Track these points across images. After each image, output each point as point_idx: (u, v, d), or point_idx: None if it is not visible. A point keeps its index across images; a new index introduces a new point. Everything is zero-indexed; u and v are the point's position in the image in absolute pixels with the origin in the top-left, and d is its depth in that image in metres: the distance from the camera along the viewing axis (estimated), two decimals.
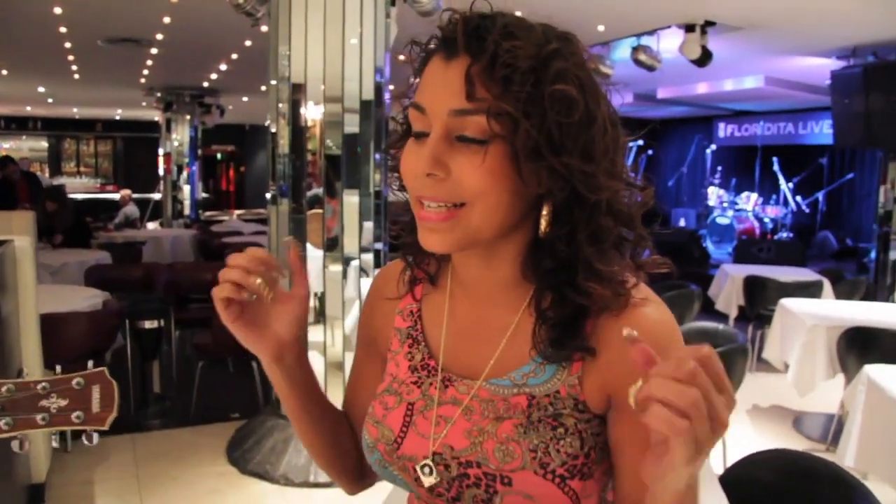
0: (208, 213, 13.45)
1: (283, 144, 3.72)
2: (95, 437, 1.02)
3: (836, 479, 1.67)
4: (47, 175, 16.72)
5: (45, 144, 17.53)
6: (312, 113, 3.64)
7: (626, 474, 0.83)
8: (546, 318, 0.84)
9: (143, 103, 12.30)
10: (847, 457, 2.75)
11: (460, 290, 0.94)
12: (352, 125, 3.65)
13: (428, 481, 0.87)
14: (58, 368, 1.01)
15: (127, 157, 18.09)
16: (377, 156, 3.74)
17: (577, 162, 0.77)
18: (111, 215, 11.86)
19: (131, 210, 11.21)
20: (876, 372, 2.84)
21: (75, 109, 15.41)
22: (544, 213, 0.81)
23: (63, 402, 1.01)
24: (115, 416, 1.03)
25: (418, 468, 0.88)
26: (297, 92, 3.64)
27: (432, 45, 0.82)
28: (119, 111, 15.65)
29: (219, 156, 19.25)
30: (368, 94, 3.67)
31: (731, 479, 1.82)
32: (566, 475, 0.82)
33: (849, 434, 2.83)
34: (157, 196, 13.37)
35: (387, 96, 3.84)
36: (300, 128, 3.67)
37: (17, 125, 16.70)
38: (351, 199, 3.71)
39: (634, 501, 0.82)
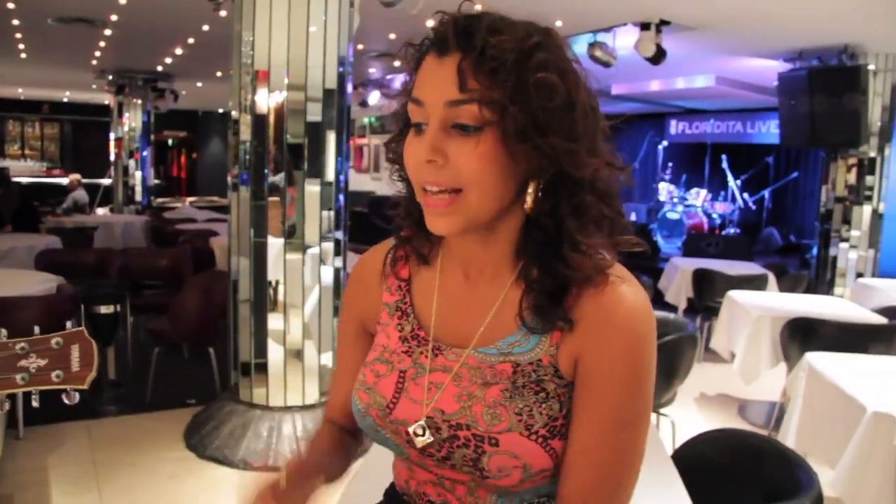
0: (160, 200, 13.21)
1: (245, 131, 3.71)
2: (76, 395, 1.04)
3: (778, 455, 1.79)
4: None
5: None
6: (275, 100, 3.64)
7: (579, 429, 0.91)
8: (533, 289, 0.92)
9: (94, 86, 11.99)
10: (788, 439, 2.90)
11: (452, 265, 1.01)
12: (314, 114, 3.67)
13: (421, 442, 0.94)
14: (36, 329, 1.02)
15: (75, 141, 17.62)
16: (346, 145, 3.78)
17: (561, 142, 0.85)
18: (59, 200, 11.57)
19: (80, 195, 10.96)
20: (816, 359, 2.99)
21: (20, 90, 14.92)
22: (530, 190, 0.89)
23: (42, 362, 1.03)
24: (94, 375, 1.04)
25: (411, 430, 0.94)
26: (260, 79, 3.64)
27: (425, 45, 0.89)
28: (67, 93, 15.21)
29: (170, 142, 18.89)
30: (331, 83, 3.69)
31: (681, 458, 1.92)
32: (548, 435, 0.90)
33: (790, 417, 2.98)
34: (106, 181, 13.09)
35: (349, 86, 3.86)
36: (262, 115, 3.66)
37: None
38: (312, 188, 3.73)
39: (579, 456, 0.90)
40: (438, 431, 0.93)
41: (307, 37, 3.62)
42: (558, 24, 6.21)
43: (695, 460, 1.92)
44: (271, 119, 3.66)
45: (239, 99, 3.73)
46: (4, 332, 1.05)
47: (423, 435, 0.94)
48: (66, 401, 1.06)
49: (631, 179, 0.95)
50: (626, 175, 0.93)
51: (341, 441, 1.13)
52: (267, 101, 3.64)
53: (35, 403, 1.06)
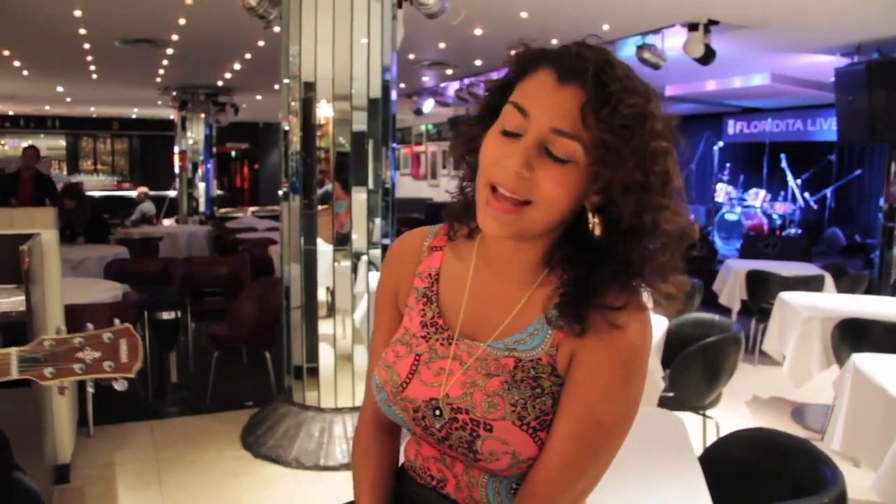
0: (223, 210, 13.66)
1: (295, 142, 3.87)
2: (125, 383, 1.20)
3: (804, 453, 1.80)
4: (65, 172, 17.02)
5: (62, 143, 17.82)
6: (322, 111, 3.78)
7: (555, 423, 0.99)
8: (562, 288, 1.01)
9: (159, 102, 12.51)
10: (834, 441, 2.86)
11: (483, 264, 1.09)
12: (360, 123, 3.79)
13: (439, 422, 1.03)
14: (89, 326, 1.17)
15: (143, 155, 18.37)
16: (391, 153, 3.89)
17: (658, 198, 0.94)
18: (128, 212, 12.10)
19: (147, 207, 11.44)
20: (862, 360, 2.94)
21: (92, 108, 15.67)
22: (597, 220, 0.97)
23: (96, 354, 1.19)
24: (139, 365, 1.20)
25: (431, 411, 1.04)
26: (308, 91, 3.78)
27: (543, 58, 0.96)
28: (135, 110, 15.90)
29: (233, 153, 19.47)
30: (376, 93, 3.81)
31: (709, 458, 1.95)
32: (538, 427, 0.99)
33: (836, 420, 2.94)
34: (172, 193, 13.60)
35: (393, 94, 3.97)
36: (311, 126, 3.81)
37: (36, 124, 17.01)
38: (359, 196, 3.85)
39: (550, 446, 0.98)
40: (440, 413, 1.03)
41: (351, 49, 3.74)
42: (605, 27, 6.23)
43: (723, 459, 1.94)
44: (319, 129, 3.80)
45: (288, 111, 3.89)
46: (63, 328, 1.21)
47: (438, 416, 1.03)
48: (116, 387, 1.22)
49: (696, 235, 1.01)
50: (692, 232, 1.00)
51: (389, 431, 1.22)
52: (314, 112, 3.78)
53: (90, 389, 1.22)
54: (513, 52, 1.01)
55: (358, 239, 3.86)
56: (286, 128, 3.93)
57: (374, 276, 3.91)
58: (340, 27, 3.72)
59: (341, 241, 3.85)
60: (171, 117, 12.55)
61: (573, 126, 0.91)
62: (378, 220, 3.90)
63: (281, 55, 3.93)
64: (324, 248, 3.85)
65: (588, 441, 0.98)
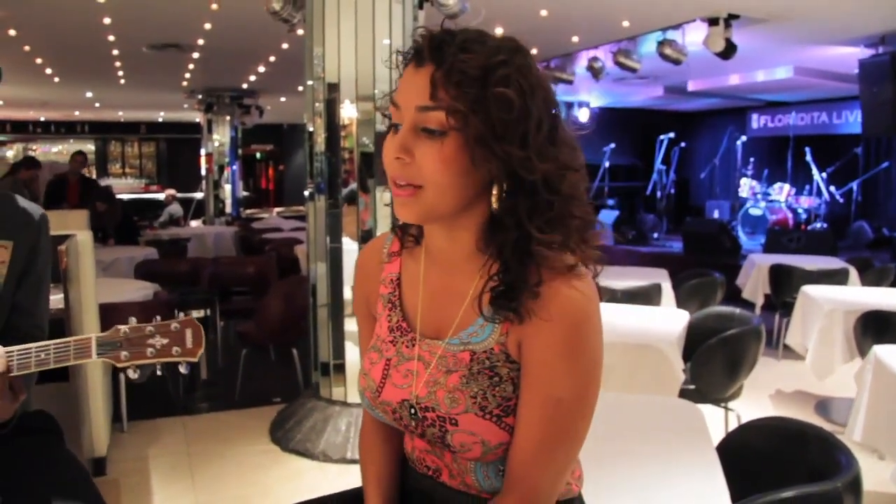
0: (249, 211, 13.85)
1: (320, 143, 3.95)
2: (188, 367, 1.37)
3: (820, 440, 1.83)
4: (94, 176, 17.34)
5: (91, 147, 18.14)
6: (346, 112, 3.86)
7: (520, 406, 1.03)
8: (492, 281, 1.03)
9: (185, 105, 12.71)
10: (855, 433, 2.88)
11: (430, 259, 1.14)
12: (383, 123, 3.86)
13: (414, 421, 1.09)
14: (157, 318, 1.33)
15: (170, 158, 18.65)
16: None
17: (514, 149, 0.96)
18: (156, 214, 12.31)
19: (175, 209, 11.63)
20: (884, 352, 2.95)
21: (120, 113, 15.96)
22: (494, 192, 1.00)
23: (165, 341, 1.34)
24: (202, 351, 1.36)
25: (406, 411, 1.09)
26: (332, 91, 3.86)
27: (409, 55, 1.02)
28: (162, 113, 16.15)
29: (258, 155, 19.69)
30: None
31: (726, 447, 1.99)
32: (501, 414, 1.03)
33: (857, 411, 2.95)
34: (199, 195, 13.81)
35: None
36: (335, 126, 3.89)
37: (66, 129, 17.36)
38: (384, 195, 3.92)
39: (519, 431, 1.02)
40: (413, 413, 1.08)
41: (374, 49, 3.81)
42: (625, 24, 6.25)
43: (740, 448, 1.98)
44: (343, 130, 3.87)
45: (312, 112, 3.97)
46: (134, 319, 1.36)
47: (402, 419, 1.10)
48: (181, 370, 1.38)
49: (586, 181, 1.03)
50: (582, 177, 1.02)
51: (386, 444, 1.25)
52: (338, 112, 3.86)
53: (159, 372, 1.39)
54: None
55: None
56: (311, 129, 4.02)
57: None
58: (363, 28, 3.79)
59: (366, 239, 3.92)
60: (197, 120, 12.74)
61: (433, 99, 0.95)
62: None
63: (305, 57, 4.01)
64: (349, 247, 3.93)
65: (553, 421, 1.01)
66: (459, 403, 1.03)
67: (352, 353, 3.97)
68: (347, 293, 3.97)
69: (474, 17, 4.57)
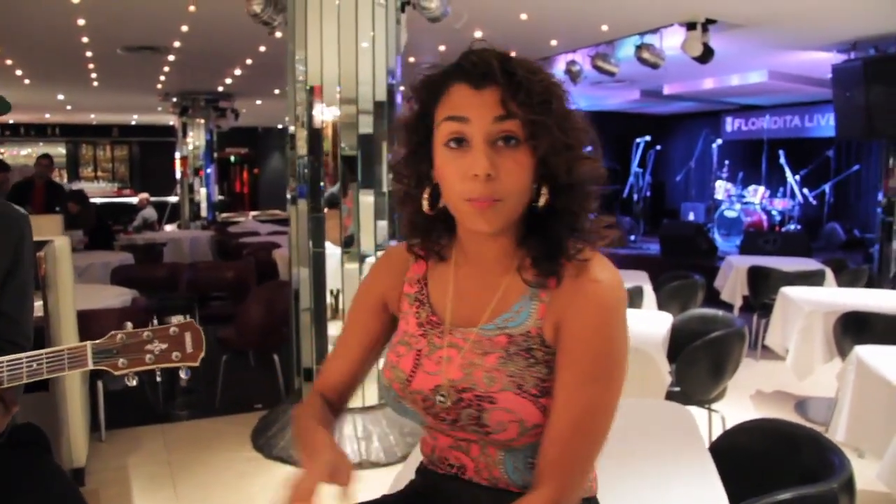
0: (224, 215, 13.71)
1: (302, 146, 3.91)
2: (188, 372, 1.32)
3: (812, 442, 1.85)
4: (66, 180, 17.06)
5: (62, 150, 17.84)
6: (328, 115, 3.83)
7: (556, 388, 1.07)
8: (532, 258, 1.12)
9: (159, 108, 12.56)
10: (838, 433, 2.91)
11: (465, 260, 1.18)
12: (366, 126, 3.84)
13: (440, 405, 1.12)
14: (154, 321, 1.26)
15: (143, 161, 18.41)
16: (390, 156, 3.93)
17: (580, 153, 1.09)
18: (130, 218, 12.14)
19: (149, 213, 11.48)
20: (865, 352, 2.99)
21: (92, 115, 15.72)
22: (544, 191, 1.09)
23: (164, 346, 1.30)
24: (203, 355, 1.31)
25: (434, 397, 1.13)
26: (314, 95, 3.83)
27: (449, 76, 1.09)
28: (135, 116, 15.95)
29: (232, 158, 19.52)
30: (381, 96, 3.86)
31: (719, 448, 2.00)
32: (538, 394, 1.07)
33: (840, 411, 2.99)
34: (173, 199, 13.65)
35: (398, 98, 4.02)
36: (317, 129, 3.86)
37: (36, 132, 17.05)
38: (366, 199, 3.90)
39: (555, 412, 1.06)
40: (447, 396, 1.12)
41: (357, 52, 3.79)
42: (604, 28, 6.29)
43: (732, 450, 1.99)
44: (325, 133, 3.84)
45: (294, 115, 3.93)
46: (130, 324, 1.31)
47: (445, 400, 1.12)
48: (181, 375, 1.33)
49: (604, 178, 1.13)
50: (603, 174, 1.13)
51: (331, 412, 1.28)
52: (321, 115, 3.83)
53: (158, 378, 1.34)
54: (411, 85, 1.15)
55: (366, 241, 3.91)
56: (292, 132, 3.98)
57: None
58: (345, 32, 3.77)
59: (349, 243, 3.90)
60: (171, 123, 12.60)
61: (508, 112, 1.04)
62: (385, 222, 3.95)
63: (287, 60, 3.97)
64: (332, 251, 3.90)
65: (589, 400, 1.06)
66: (497, 382, 1.08)
67: None
68: (330, 298, 3.93)
69: (456, 20, 4.57)
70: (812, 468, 1.79)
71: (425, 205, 1.15)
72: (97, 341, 1.28)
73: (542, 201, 1.09)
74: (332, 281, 3.91)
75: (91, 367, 1.27)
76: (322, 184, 3.87)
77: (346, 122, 3.82)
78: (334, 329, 3.92)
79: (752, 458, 1.96)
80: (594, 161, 1.11)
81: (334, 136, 3.84)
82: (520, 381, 1.08)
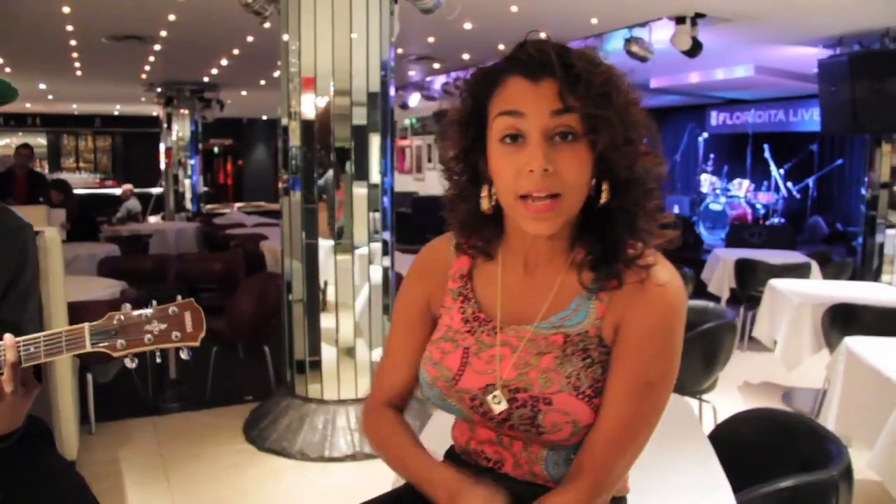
0: (209, 207, 13.61)
1: (294, 137, 3.89)
2: (189, 352, 1.28)
3: (810, 431, 1.88)
4: (47, 171, 16.84)
5: (43, 141, 17.61)
6: (321, 106, 3.81)
7: (608, 388, 1.07)
8: (593, 256, 1.10)
9: (143, 99, 12.42)
10: (828, 422, 2.95)
11: (513, 260, 1.16)
12: (359, 117, 3.83)
13: (498, 408, 1.09)
14: (153, 302, 1.25)
15: (125, 152, 18.22)
16: (390, 148, 3.93)
17: (640, 148, 1.06)
18: (113, 210, 12.01)
19: (133, 204, 11.35)
20: (855, 343, 3.03)
21: (74, 105, 15.53)
22: (605, 187, 1.06)
23: (163, 326, 1.26)
24: (203, 335, 1.27)
25: (489, 399, 1.10)
26: (308, 85, 3.81)
27: (504, 69, 1.07)
28: (118, 107, 15.77)
29: (216, 150, 19.36)
30: (375, 87, 3.84)
31: (718, 438, 2.02)
32: (592, 394, 1.06)
33: (830, 401, 3.03)
34: (156, 190, 13.52)
35: (391, 89, 4.01)
36: (310, 121, 3.84)
37: (16, 122, 16.81)
38: (359, 191, 3.89)
39: (605, 409, 1.06)
40: (501, 397, 1.09)
41: (350, 43, 3.77)
42: (594, 21, 6.30)
43: (731, 439, 2.01)
44: (319, 124, 3.82)
45: (287, 106, 3.91)
46: (129, 305, 1.28)
47: (500, 403, 1.09)
48: (182, 356, 1.29)
49: (665, 170, 1.11)
50: (662, 172, 1.11)
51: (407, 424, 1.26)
52: (314, 106, 3.81)
53: (158, 360, 1.31)
54: (464, 79, 1.11)
55: (359, 232, 3.90)
56: (285, 123, 3.96)
57: (375, 270, 3.96)
58: (339, 22, 3.74)
59: (342, 234, 3.89)
60: (155, 114, 12.46)
61: (566, 105, 1.01)
62: (378, 214, 3.94)
63: (280, 51, 3.94)
64: (325, 243, 3.88)
65: (640, 402, 1.05)
66: (554, 383, 1.07)
67: (328, 349, 3.92)
68: (323, 289, 3.91)
69: (449, 12, 4.56)
70: (810, 457, 1.82)
71: (485, 203, 1.12)
72: (94, 323, 1.25)
73: (603, 198, 1.06)
74: (325, 273, 3.90)
75: (89, 348, 1.24)
76: (315, 175, 3.86)
77: (340, 114, 3.80)
78: (327, 320, 3.91)
79: (750, 447, 1.98)
80: (655, 157, 1.08)
81: (327, 128, 3.82)
82: (576, 383, 1.06)
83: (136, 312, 1.25)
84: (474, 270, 1.21)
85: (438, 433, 1.36)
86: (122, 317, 1.26)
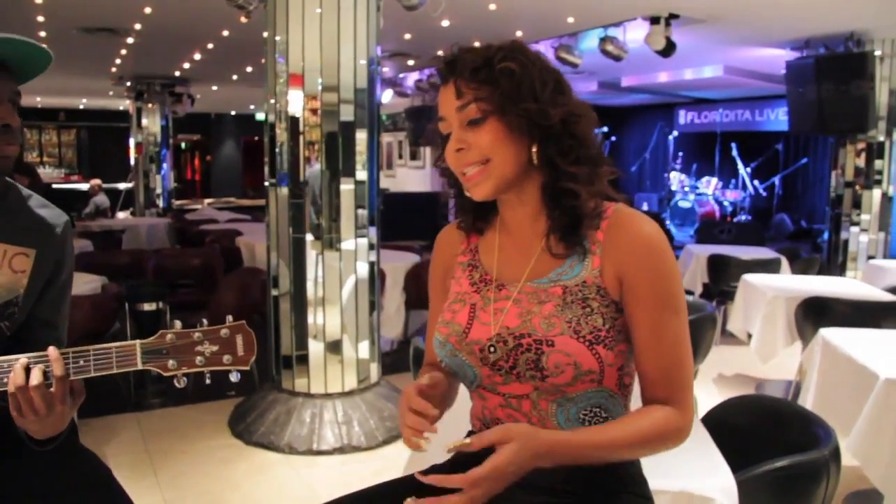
0: (178, 202, 13.45)
1: (281, 132, 3.90)
2: (238, 375, 1.29)
3: (797, 416, 1.97)
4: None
5: None
6: (309, 102, 3.82)
7: (640, 328, 1.19)
8: (555, 223, 1.24)
9: (111, 92, 12.22)
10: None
11: (505, 228, 1.34)
12: (347, 114, 3.85)
13: (493, 357, 1.22)
14: (204, 322, 1.24)
15: (92, 147, 17.90)
16: (376, 144, 3.96)
17: (531, 104, 1.17)
18: (80, 205, 11.82)
19: (101, 200, 11.21)
20: (830, 334, 3.16)
21: (38, 98, 15.20)
22: (534, 150, 1.20)
23: (214, 348, 1.26)
24: (254, 358, 1.29)
25: (496, 344, 1.22)
26: (294, 82, 3.82)
27: (437, 82, 1.26)
28: (84, 100, 15.47)
29: (184, 145, 19.14)
30: (362, 83, 3.87)
31: (709, 423, 2.10)
32: (593, 341, 1.17)
33: (807, 390, 3.15)
34: (125, 186, 13.33)
35: (378, 85, 4.04)
36: (296, 117, 3.85)
37: None
38: (346, 187, 3.91)
39: (649, 347, 1.19)
40: (505, 343, 1.20)
41: (338, 39, 3.79)
42: (570, 20, 6.39)
43: (721, 424, 2.10)
44: (306, 120, 3.84)
45: (274, 102, 3.91)
46: (179, 324, 1.27)
47: (495, 352, 1.21)
48: (231, 379, 1.29)
49: (596, 121, 1.24)
50: (592, 121, 1.23)
51: (448, 375, 1.37)
52: (301, 102, 3.82)
53: (208, 381, 1.30)
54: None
55: (345, 227, 3.93)
56: (272, 119, 3.96)
57: (361, 266, 3.99)
58: (327, 17, 3.76)
59: (329, 230, 3.91)
60: (122, 108, 12.28)
61: (460, 98, 1.19)
62: (364, 210, 3.97)
63: (266, 47, 3.95)
64: (311, 238, 3.90)
65: (672, 330, 1.19)
66: (556, 327, 1.18)
67: (314, 344, 3.95)
68: (309, 284, 3.93)
69: (433, 8, 4.60)
70: (799, 440, 1.91)
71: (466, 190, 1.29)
72: (146, 340, 1.24)
73: (535, 158, 1.19)
74: (312, 267, 3.92)
75: (140, 366, 1.23)
76: (302, 170, 3.87)
77: (327, 110, 3.82)
78: (314, 316, 3.93)
79: (741, 431, 2.07)
80: (567, 99, 1.20)
81: (315, 124, 3.83)
82: (577, 327, 1.17)
83: (187, 332, 1.25)
84: (480, 244, 1.37)
85: (456, 427, 1.42)
86: (174, 336, 1.25)
